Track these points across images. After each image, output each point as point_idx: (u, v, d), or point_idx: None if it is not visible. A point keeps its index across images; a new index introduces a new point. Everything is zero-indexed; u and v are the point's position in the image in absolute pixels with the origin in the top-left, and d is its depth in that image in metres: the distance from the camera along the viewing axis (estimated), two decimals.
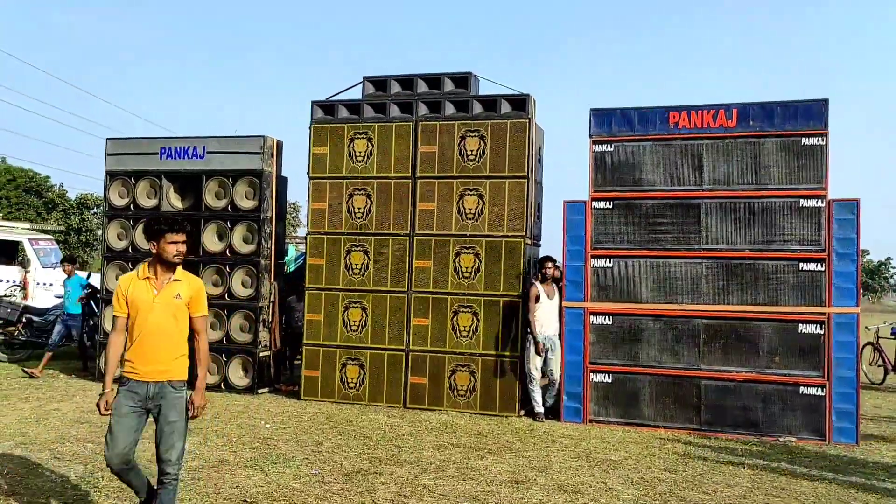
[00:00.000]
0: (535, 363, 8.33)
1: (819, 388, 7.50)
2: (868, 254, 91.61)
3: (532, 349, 8.31)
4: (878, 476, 6.28)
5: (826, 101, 7.65)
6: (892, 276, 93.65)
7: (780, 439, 7.52)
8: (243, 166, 9.57)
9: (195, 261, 9.73)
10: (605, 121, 8.30)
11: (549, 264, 8.45)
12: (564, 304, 8.35)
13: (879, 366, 12.61)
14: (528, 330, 8.39)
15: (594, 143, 8.32)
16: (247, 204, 9.57)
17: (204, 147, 9.76)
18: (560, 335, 8.37)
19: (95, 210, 39.48)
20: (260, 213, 9.48)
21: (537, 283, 8.41)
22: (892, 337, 12.61)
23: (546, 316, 8.35)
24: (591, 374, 8.15)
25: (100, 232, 38.07)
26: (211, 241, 9.70)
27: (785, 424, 7.59)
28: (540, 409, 8.31)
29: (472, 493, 5.42)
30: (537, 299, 8.32)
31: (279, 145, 9.83)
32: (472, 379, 8.59)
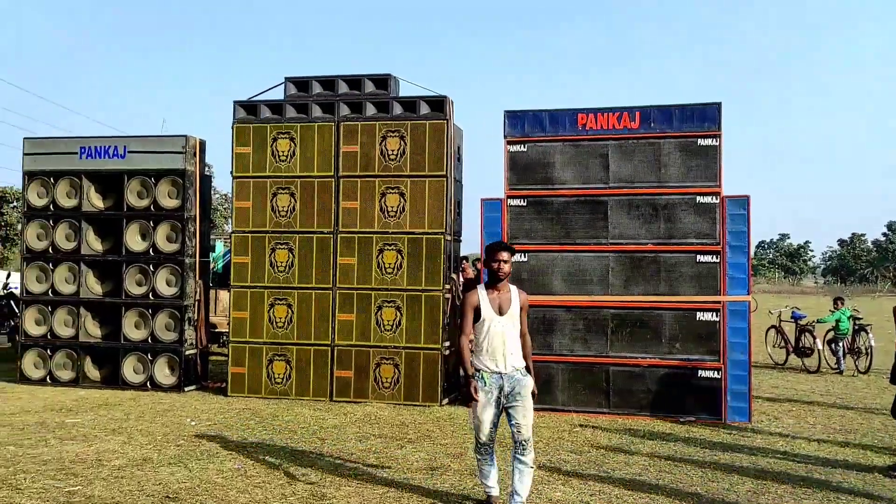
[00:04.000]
0: (482, 416, 4.96)
1: (715, 371, 8.08)
2: (788, 237, 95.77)
3: (480, 396, 4.92)
4: (764, 452, 6.87)
5: (719, 104, 8.21)
6: (810, 259, 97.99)
7: (681, 420, 8.09)
8: (165, 165, 9.63)
9: (118, 260, 9.77)
10: (518, 122, 8.70)
11: (504, 255, 5.02)
12: None
13: (782, 347, 13.48)
14: (461, 364, 5.25)
15: (508, 143, 8.72)
16: (170, 203, 9.63)
17: (125, 147, 9.76)
18: (528, 367, 5.09)
19: (15, 204, 38.15)
20: (183, 212, 9.56)
21: (480, 289, 5.11)
22: (793, 321, 13.48)
23: (499, 339, 4.96)
24: None
25: (19, 227, 36.88)
26: (133, 240, 9.73)
27: (685, 406, 8.16)
28: (492, 489, 5.11)
29: (388, 479, 5.74)
30: (477, 314, 5.04)
31: (202, 144, 9.91)
32: (396, 371, 8.91)
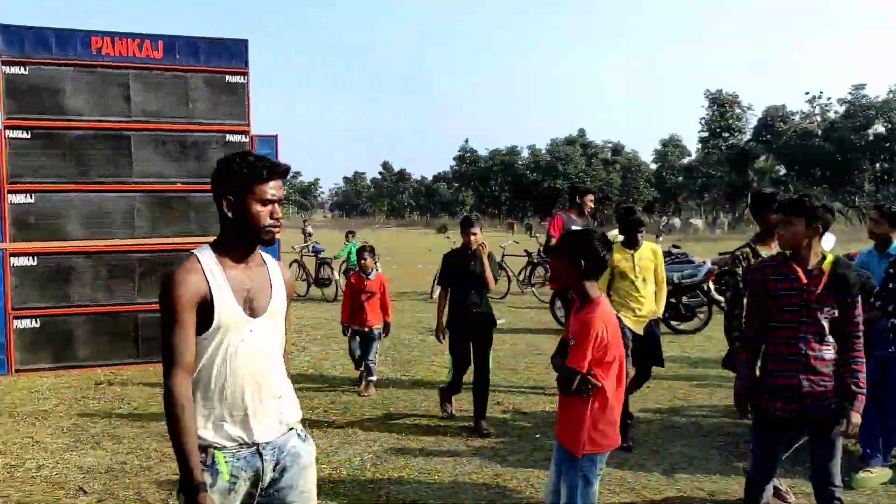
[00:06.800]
0: None
1: None
2: (301, 175, 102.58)
3: None
4: None
5: (246, 41, 8.11)
6: (320, 195, 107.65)
7: None
8: None
9: None
10: (16, 39, 7.37)
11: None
12: None
13: (304, 280, 14.41)
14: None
15: (4, 63, 7.34)
16: None
17: None
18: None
19: None
20: None
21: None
22: (313, 255, 14.49)
23: None
24: (15, 320, 7.41)
25: None
26: None
27: None
28: None
29: None
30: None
31: None
32: None
